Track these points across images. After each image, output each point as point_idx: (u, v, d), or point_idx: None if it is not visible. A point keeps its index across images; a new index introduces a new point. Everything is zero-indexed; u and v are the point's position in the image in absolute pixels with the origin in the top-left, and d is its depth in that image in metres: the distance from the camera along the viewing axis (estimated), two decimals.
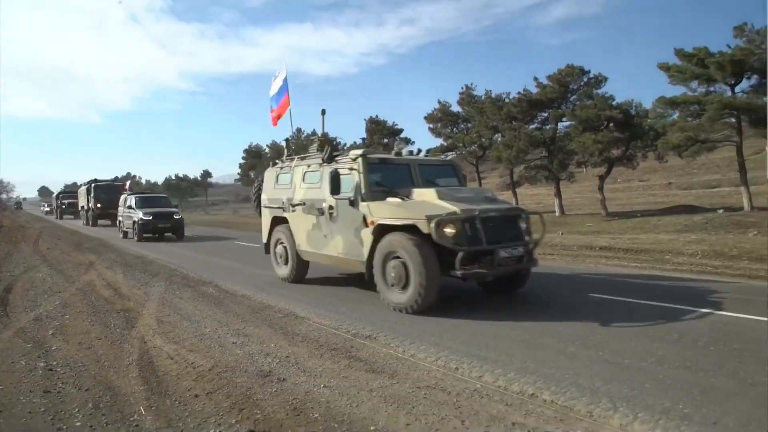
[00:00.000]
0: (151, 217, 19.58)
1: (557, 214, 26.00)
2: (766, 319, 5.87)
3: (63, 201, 46.33)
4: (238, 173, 55.61)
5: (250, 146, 53.26)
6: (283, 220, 9.01)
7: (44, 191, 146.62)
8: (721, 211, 22.62)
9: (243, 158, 53.75)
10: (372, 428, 3.24)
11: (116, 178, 35.75)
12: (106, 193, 30.57)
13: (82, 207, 34.06)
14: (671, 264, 11.52)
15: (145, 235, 19.49)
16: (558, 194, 26.06)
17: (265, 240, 9.72)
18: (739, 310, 6.22)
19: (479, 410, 3.47)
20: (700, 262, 11.58)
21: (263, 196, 9.80)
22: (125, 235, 21.08)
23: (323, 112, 9.29)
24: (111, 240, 19.72)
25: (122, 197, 23.13)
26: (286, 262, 9.03)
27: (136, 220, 19.54)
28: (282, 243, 9.11)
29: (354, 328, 5.75)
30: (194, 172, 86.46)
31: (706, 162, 47.40)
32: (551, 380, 3.97)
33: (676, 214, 24.15)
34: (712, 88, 22.64)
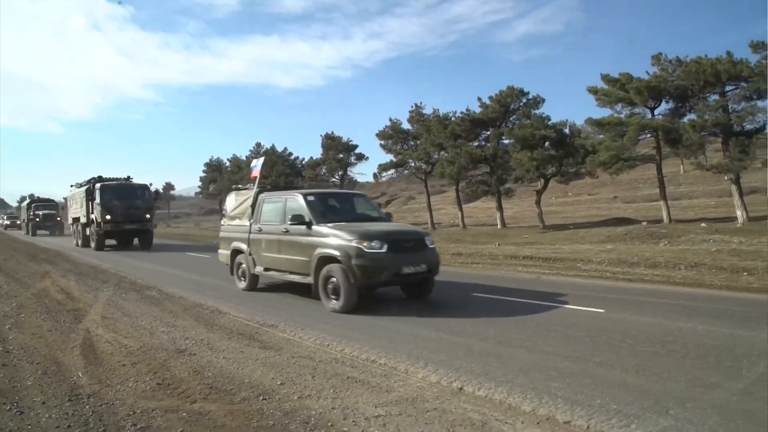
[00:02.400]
0: None
1: (499, 226, 27.73)
2: (603, 310, 7.38)
3: (37, 212, 38.98)
4: (199, 186, 56.12)
5: (210, 160, 53.96)
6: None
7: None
8: (644, 223, 24.64)
9: (204, 171, 54.39)
10: (246, 381, 4.54)
11: (128, 178, 24.58)
12: (123, 197, 22.13)
13: (75, 220, 25.14)
14: (579, 270, 13.06)
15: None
16: (499, 208, 27.82)
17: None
18: (594, 305, 7.71)
19: (329, 370, 4.82)
20: (603, 268, 13.14)
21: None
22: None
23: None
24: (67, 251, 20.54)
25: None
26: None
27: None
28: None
29: (263, 319, 7.06)
30: (157, 185, 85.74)
31: (651, 177, 50.22)
32: (391, 351, 5.36)
33: (607, 226, 26.13)
34: (637, 111, 24.76)
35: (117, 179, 23.73)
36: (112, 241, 22.96)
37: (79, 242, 24.09)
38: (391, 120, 32.38)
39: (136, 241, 23.70)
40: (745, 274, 10.84)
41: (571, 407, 3.76)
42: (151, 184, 24.32)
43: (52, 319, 7.37)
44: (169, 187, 77.00)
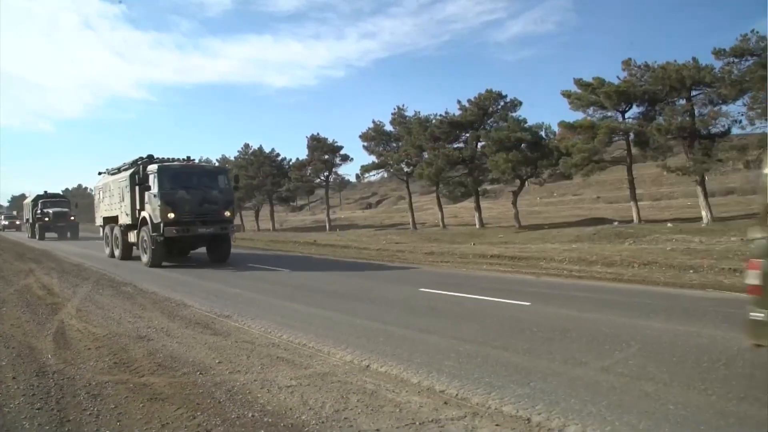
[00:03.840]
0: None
1: (477, 226, 28.59)
2: (529, 303, 8.19)
3: (45, 211, 32.04)
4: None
5: (200, 160, 54.46)
6: None
7: None
8: (616, 223, 25.55)
9: None
10: (190, 360, 5.32)
11: (188, 158, 17.32)
12: (193, 186, 15.08)
13: (109, 220, 17.98)
14: (540, 268, 13.85)
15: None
16: (478, 208, 28.67)
17: None
18: (524, 299, 8.51)
19: (263, 352, 5.61)
20: (563, 266, 13.94)
21: None
22: None
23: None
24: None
25: None
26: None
27: None
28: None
29: (221, 311, 7.85)
30: None
31: (636, 177, 51.19)
32: (322, 337, 6.18)
33: (582, 226, 27.02)
34: (610, 114, 25.65)
35: (174, 161, 16.35)
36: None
37: (117, 252, 16.81)
38: (374, 122, 33.22)
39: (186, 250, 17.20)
40: (691, 271, 11.62)
41: (451, 380, 4.56)
42: (231, 169, 19.25)
43: (31, 312, 8.12)
44: None
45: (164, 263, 15.20)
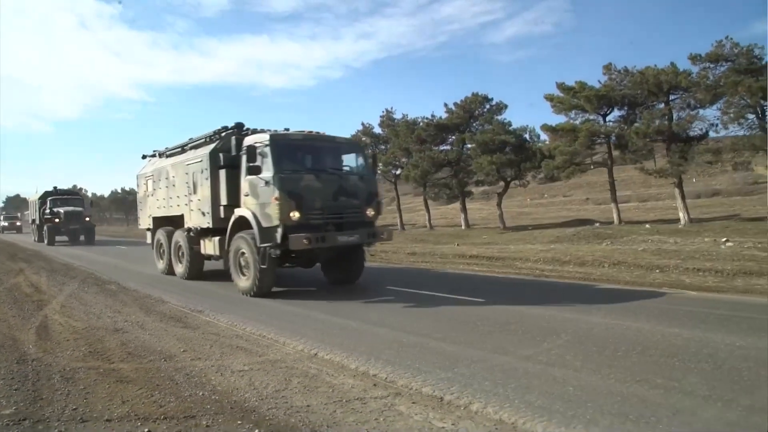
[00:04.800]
0: None
1: (463, 227, 29.18)
2: (483, 300, 8.76)
3: (56, 210, 27.50)
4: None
5: None
6: None
7: None
8: (597, 224, 26.16)
9: None
10: (158, 349, 5.89)
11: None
12: (324, 171, 9.90)
13: (163, 221, 13.42)
14: (514, 268, 14.41)
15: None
16: (463, 209, 29.26)
17: None
18: (480, 296, 9.09)
19: (226, 342, 6.18)
20: (536, 266, 14.50)
21: None
22: None
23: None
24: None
25: None
26: None
27: None
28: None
29: (195, 307, 8.42)
30: None
31: (626, 179, 51.92)
32: (282, 329, 6.75)
33: (566, 227, 27.62)
34: (592, 117, 26.24)
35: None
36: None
37: (180, 267, 12.15)
38: (363, 124, 33.73)
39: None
40: (657, 271, 12.18)
41: (385, 366, 5.13)
42: (373, 149, 16.34)
43: (18, 308, 8.67)
44: None
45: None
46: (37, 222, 29.80)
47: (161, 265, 13.40)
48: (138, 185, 15.24)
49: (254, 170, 9.20)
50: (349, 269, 10.77)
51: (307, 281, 11.61)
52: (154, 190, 13.76)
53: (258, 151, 9.31)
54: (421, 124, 29.68)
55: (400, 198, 34.46)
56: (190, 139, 12.41)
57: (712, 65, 22.21)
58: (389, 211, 58.51)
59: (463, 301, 8.73)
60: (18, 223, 48.59)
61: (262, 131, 10.32)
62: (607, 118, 25.65)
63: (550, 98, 26.33)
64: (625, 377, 4.66)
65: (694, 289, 9.36)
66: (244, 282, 9.69)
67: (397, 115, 31.78)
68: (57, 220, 27.19)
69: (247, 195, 9.69)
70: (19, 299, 9.52)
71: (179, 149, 12.81)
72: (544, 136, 28.48)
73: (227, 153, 10.23)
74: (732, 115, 21.36)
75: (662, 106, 23.84)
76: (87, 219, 28.68)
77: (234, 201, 10.02)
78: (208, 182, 10.61)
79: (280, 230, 8.84)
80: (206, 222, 10.84)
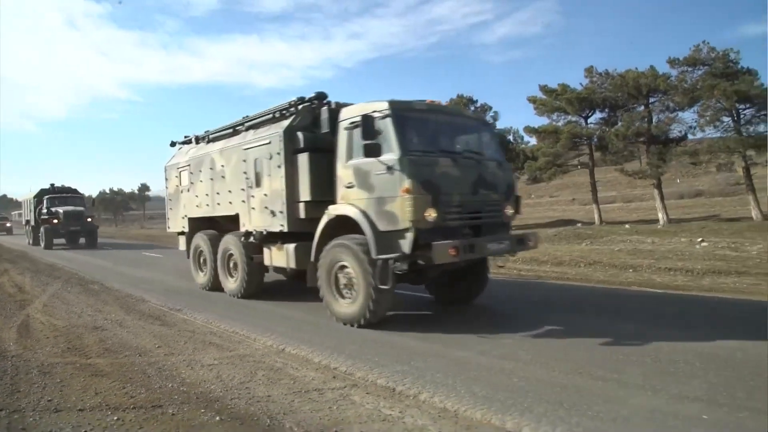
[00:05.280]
0: None
1: None
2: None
3: (54, 210, 24.79)
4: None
5: None
6: None
7: None
8: (579, 225, 26.61)
9: None
10: (135, 345, 6.19)
11: None
12: (460, 152, 7.52)
13: (201, 227, 10.93)
14: (493, 267, 14.70)
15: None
16: None
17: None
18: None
19: (200, 339, 6.49)
20: (515, 266, 14.78)
21: None
22: None
23: None
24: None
25: None
26: None
27: None
28: None
29: (174, 305, 8.70)
30: (132, 186, 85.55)
31: (612, 179, 52.57)
32: (254, 327, 7.05)
33: (549, 228, 28.03)
34: (574, 119, 26.72)
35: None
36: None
37: (232, 282, 9.71)
38: None
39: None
40: (630, 270, 12.55)
41: (346, 360, 5.45)
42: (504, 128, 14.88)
43: (0, 307, 8.91)
44: (144, 188, 77.82)
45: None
46: (32, 223, 27.20)
47: (202, 278, 10.72)
48: (167, 179, 12.39)
49: (373, 150, 6.59)
50: (470, 285, 8.38)
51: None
52: (191, 184, 11.01)
53: (376, 123, 6.71)
54: None
55: None
56: (244, 117, 9.76)
57: (689, 69, 22.75)
58: None
59: (418, 297, 9.02)
60: (8, 224, 46.44)
61: (345, 105, 7.98)
62: (589, 120, 26.14)
63: (533, 100, 26.79)
64: (569, 370, 5.01)
65: (662, 288, 9.74)
66: (346, 307, 7.12)
67: None
68: (55, 220, 24.38)
69: (350, 187, 7.15)
70: (2, 299, 9.75)
71: (230, 130, 10.19)
72: (528, 138, 28.96)
73: (309, 131, 8.03)
74: (708, 117, 21.87)
75: (642, 108, 24.35)
76: (89, 220, 25.87)
77: (321, 195, 7.64)
78: (281, 171, 8.13)
79: (410, 235, 6.42)
80: (277, 224, 8.28)
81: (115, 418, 4.05)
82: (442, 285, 8.59)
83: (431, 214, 6.41)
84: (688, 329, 6.40)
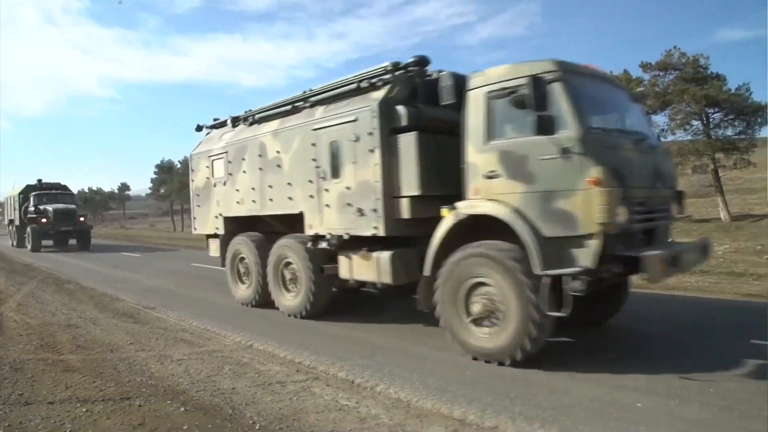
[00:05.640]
0: None
1: None
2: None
3: (43, 207, 22.49)
4: (150, 188, 56.44)
5: (162, 161, 53.97)
6: None
7: None
8: None
9: (155, 173, 54.72)
10: (107, 342, 6.37)
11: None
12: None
13: (241, 229, 8.96)
14: None
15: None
16: None
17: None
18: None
19: (171, 335, 6.69)
20: None
21: None
22: None
23: None
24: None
25: None
26: None
27: None
28: None
29: (148, 304, 8.87)
30: (111, 185, 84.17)
31: None
32: (226, 324, 7.26)
33: None
34: None
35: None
36: None
37: (292, 299, 7.79)
38: None
39: None
40: None
41: (310, 354, 5.71)
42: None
43: None
44: (124, 187, 76.93)
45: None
46: (17, 223, 24.33)
47: (243, 291, 8.81)
48: (192, 170, 10.03)
49: (548, 125, 4.82)
50: (606, 305, 6.61)
51: None
52: (230, 175, 8.88)
53: (534, 92, 4.81)
54: None
55: None
56: (310, 90, 7.66)
57: (661, 73, 23.28)
58: None
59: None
60: None
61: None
62: None
63: None
64: (521, 362, 5.30)
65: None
66: (487, 340, 5.37)
67: None
68: (44, 220, 21.90)
69: (492, 176, 5.36)
70: None
71: (288, 106, 7.95)
72: None
73: (414, 105, 6.24)
74: (678, 121, 22.44)
75: None
76: (81, 219, 23.37)
77: (433, 188, 6.02)
78: (375, 157, 6.29)
79: (594, 243, 4.79)
80: (368, 226, 6.43)
81: (84, 410, 4.26)
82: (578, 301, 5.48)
83: (623, 214, 4.81)
84: (648, 324, 6.74)
